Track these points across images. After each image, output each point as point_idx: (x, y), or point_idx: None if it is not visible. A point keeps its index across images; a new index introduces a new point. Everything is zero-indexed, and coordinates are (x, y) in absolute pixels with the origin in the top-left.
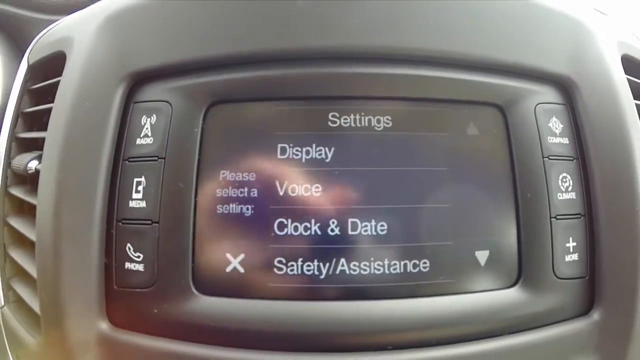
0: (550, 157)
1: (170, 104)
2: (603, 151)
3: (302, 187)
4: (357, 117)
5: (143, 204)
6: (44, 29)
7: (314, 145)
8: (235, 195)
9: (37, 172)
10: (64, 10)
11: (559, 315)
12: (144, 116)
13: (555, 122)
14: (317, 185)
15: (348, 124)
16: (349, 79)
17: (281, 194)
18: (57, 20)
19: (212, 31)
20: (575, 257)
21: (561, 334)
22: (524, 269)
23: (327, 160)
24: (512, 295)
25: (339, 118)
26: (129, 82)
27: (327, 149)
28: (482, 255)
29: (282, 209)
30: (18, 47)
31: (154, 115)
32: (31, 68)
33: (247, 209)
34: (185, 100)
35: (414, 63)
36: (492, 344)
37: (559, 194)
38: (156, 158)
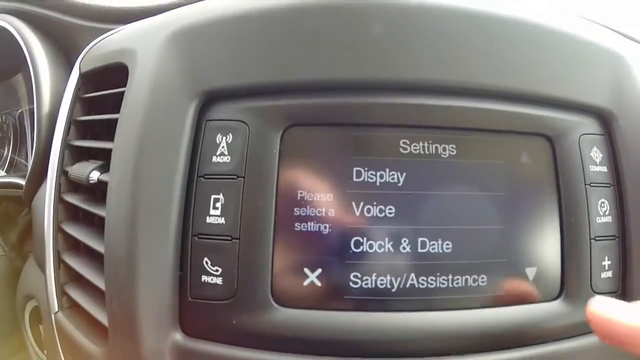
0: (591, 184)
1: (247, 124)
2: (636, 178)
3: (376, 208)
4: (426, 144)
5: (222, 220)
6: (91, 36)
7: (387, 170)
8: (313, 214)
9: (99, 182)
10: (112, 20)
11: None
12: (219, 135)
13: (595, 151)
14: (390, 206)
15: (418, 151)
16: (418, 109)
17: (357, 214)
18: (104, 28)
19: (292, 55)
20: (609, 274)
21: (596, 343)
22: (566, 283)
23: (400, 184)
24: (555, 307)
25: (410, 145)
26: (201, 100)
27: (399, 173)
28: (531, 271)
29: (358, 228)
30: (64, 53)
31: (230, 134)
32: (83, 76)
33: (325, 227)
34: (262, 121)
35: (478, 96)
36: (538, 350)
37: (597, 217)
38: (235, 176)
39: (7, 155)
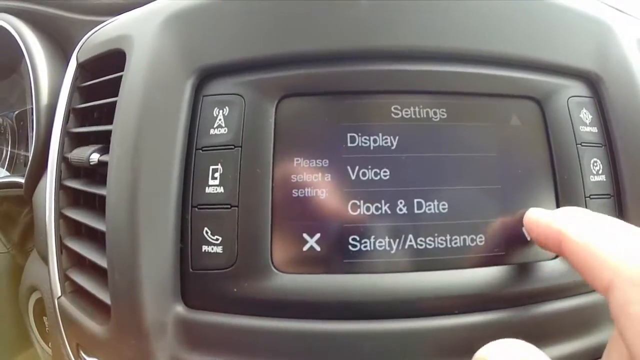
0: (582, 144)
1: (243, 97)
2: (627, 138)
3: (371, 172)
4: (417, 109)
5: (221, 190)
6: (87, 29)
7: (380, 134)
8: (309, 180)
9: (99, 163)
10: (106, 12)
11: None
12: (216, 108)
13: (585, 113)
14: (385, 169)
15: (409, 115)
16: (408, 76)
17: (353, 178)
18: (99, 21)
19: (283, 29)
20: None
21: (596, 301)
22: None
23: (393, 147)
24: (554, 266)
25: (401, 110)
26: (197, 77)
27: (392, 137)
28: None
29: (354, 191)
30: (60, 47)
31: (227, 107)
32: (80, 66)
33: (322, 192)
34: (257, 93)
35: (466, 61)
36: (536, 308)
37: (591, 176)
38: (232, 146)
39: (7, 155)
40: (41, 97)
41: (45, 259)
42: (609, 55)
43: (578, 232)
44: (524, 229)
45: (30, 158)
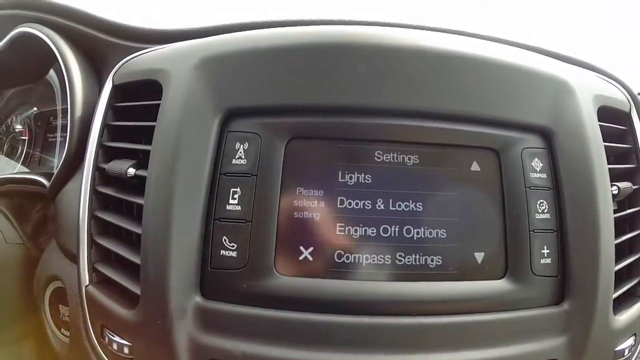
0: (531, 187)
1: (260, 136)
2: (573, 184)
3: (355, 202)
4: (395, 154)
5: (238, 208)
6: (119, 52)
7: (364, 173)
8: (307, 206)
9: (135, 176)
10: (141, 39)
11: (535, 303)
12: (238, 142)
13: (536, 162)
14: (367, 201)
15: (389, 159)
16: (390, 128)
17: (341, 206)
18: (132, 46)
19: (295, 85)
20: (548, 260)
21: (536, 317)
22: (509, 266)
23: (374, 184)
24: (500, 284)
25: (382, 155)
26: (223, 115)
27: (373, 176)
28: (479, 255)
29: (341, 216)
30: (92, 63)
31: (246, 142)
32: (116, 88)
33: (317, 215)
34: (271, 134)
35: (436, 118)
36: (485, 317)
37: (536, 214)
38: (249, 175)
39: (22, 153)
40: (76, 110)
41: (68, 253)
42: (564, 111)
43: None
44: (475, 254)
45: (60, 164)
